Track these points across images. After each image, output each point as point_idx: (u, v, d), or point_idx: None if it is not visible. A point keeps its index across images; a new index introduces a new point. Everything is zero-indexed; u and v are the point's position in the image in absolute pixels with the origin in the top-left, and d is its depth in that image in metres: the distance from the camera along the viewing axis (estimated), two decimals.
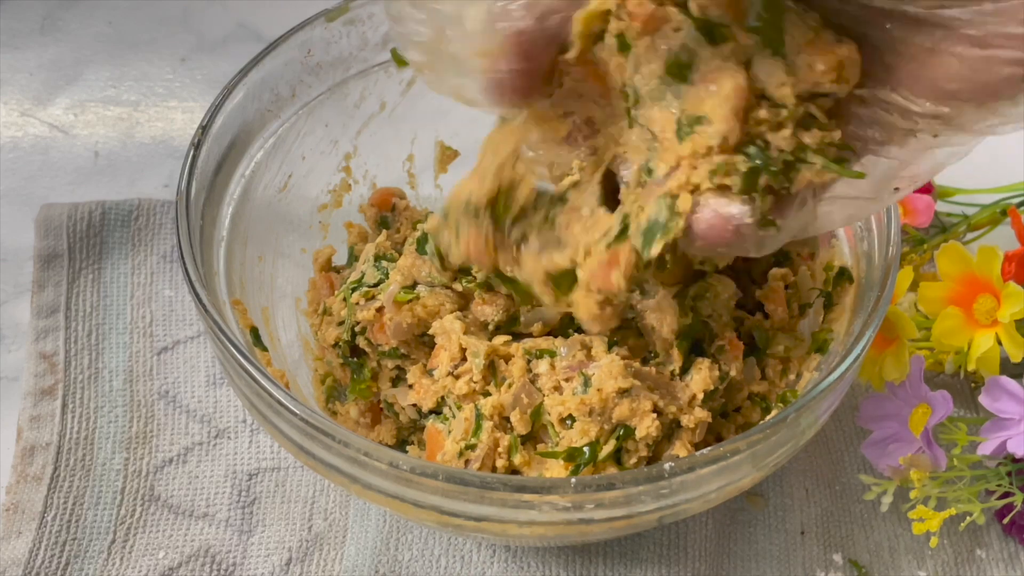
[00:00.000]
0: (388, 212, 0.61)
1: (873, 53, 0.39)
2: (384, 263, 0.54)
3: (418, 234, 0.54)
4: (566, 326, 0.51)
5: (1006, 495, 0.56)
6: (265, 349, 0.53)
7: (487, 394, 0.50)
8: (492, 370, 0.51)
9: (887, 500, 0.56)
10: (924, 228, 0.67)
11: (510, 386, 0.50)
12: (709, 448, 0.43)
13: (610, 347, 0.50)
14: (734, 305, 0.54)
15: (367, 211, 0.62)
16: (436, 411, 0.52)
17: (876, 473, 0.58)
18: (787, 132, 0.39)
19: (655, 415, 0.48)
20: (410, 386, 0.53)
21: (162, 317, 0.64)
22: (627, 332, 0.51)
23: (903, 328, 0.55)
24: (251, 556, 0.56)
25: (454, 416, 0.51)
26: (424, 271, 0.52)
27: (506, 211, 0.45)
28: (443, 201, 0.65)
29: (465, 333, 0.51)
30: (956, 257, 0.56)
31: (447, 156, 0.65)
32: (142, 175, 0.74)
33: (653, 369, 0.50)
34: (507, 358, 0.51)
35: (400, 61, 0.60)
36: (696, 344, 0.52)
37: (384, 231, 0.60)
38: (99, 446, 0.59)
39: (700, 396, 0.50)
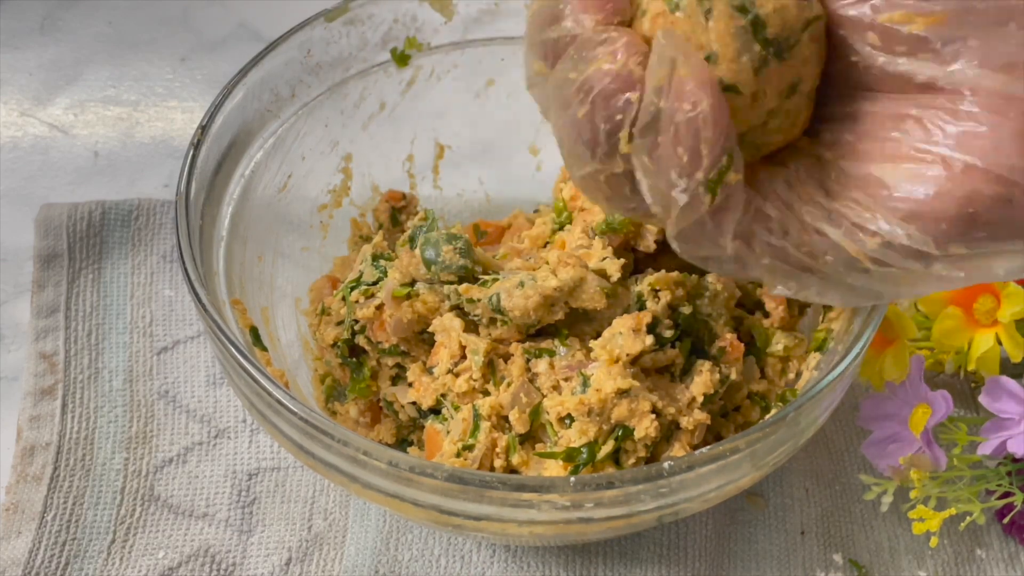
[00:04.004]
0: (399, 203, 0.62)
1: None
2: (382, 262, 0.54)
3: (408, 232, 0.54)
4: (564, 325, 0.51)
5: (1006, 495, 0.56)
6: (265, 349, 0.53)
7: (486, 393, 0.51)
8: (491, 368, 0.51)
9: (887, 500, 0.56)
10: None
11: (509, 385, 0.50)
12: (708, 447, 0.43)
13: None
14: (734, 304, 0.54)
15: (379, 207, 0.62)
16: (435, 411, 0.52)
17: (876, 473, 0.58)
18: None
19: (654, 416, 0.48)
20: (410, 384, 0.53)
21: (162, 317, 0.64)
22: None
23: (903, 328, 0.55)
24: (251, 556, 0.56)
25: (452, 417, 0.51)
26: (422, 269, 0.52)
27: None
28: (443, 201, 0.66)
29: (465, 331, 0.51)
30: None
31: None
32: (142, 175, 0.74)
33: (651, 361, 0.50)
34: (506, 357, 0.51)
35: (400, 61, 0.60)
36: (696, 345, 0.52)
37: (381, 231, 0.60)
38: (99, 446, 0.59)
39: (700, 399, 0.50)
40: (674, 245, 0.38)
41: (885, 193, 0.35)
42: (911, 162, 0.35)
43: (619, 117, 0.35)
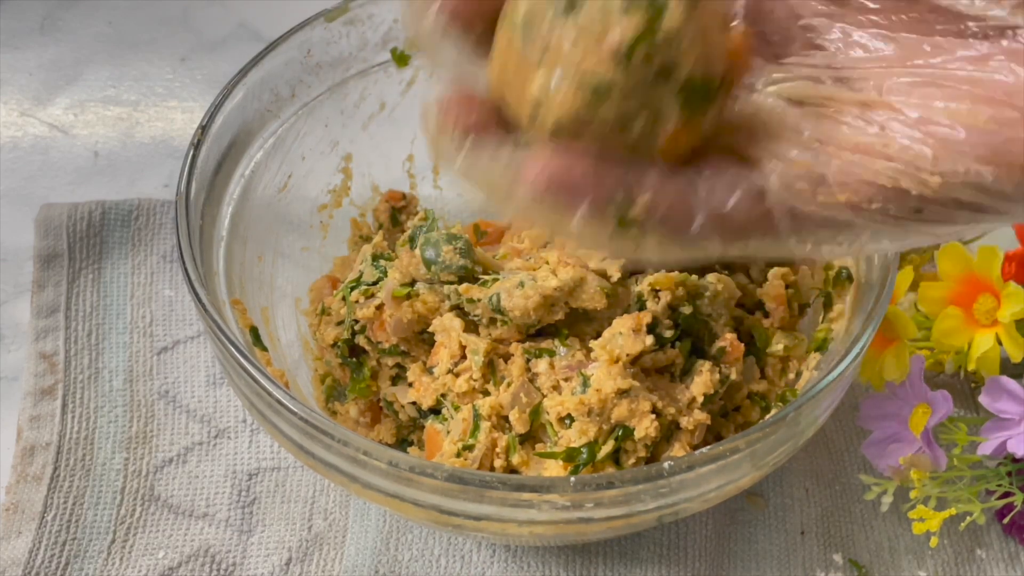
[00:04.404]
0: (399, 203, 0.62)
1: None
2: (382, 262, 0.54)
3: (408, 232, 0.54)
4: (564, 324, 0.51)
5: (1006, 495, 0.56)
6: (265, 349, 0.53)
7: (486, 393, 0.51)
8: (491, 368, 0.51)
9: (887, 500, 0.56)
10: None
11: (509, 385, 0.50)
12: (708, 447, 0.43)
13: None
14: (734, 304, 0.54)
15: (379, 207, 0.62)
16: (435, 411, 0.52)
17: (876, 473, 0.58)
18: None
19: (654, 416, 0.48)
20: (410, 384, 0.53)
21: (162, 317, 0.64)
22: None
23: (903, 328, 0.55)
24: (251, 556, 0.56)
25: (452, 417, 0.51)
26: (422, 269, 0.52)
27: None
28: (443, 201, 0.66)
29: (465, 331, 0.51)
30: (956, 257, 0.56)
31: None
32: (142, 175, 0.74)
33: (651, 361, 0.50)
34: (506, 357, 0.51)
35: (400, 61, 0.60)
36: (696, 345, 0.52)
37: (381, 231, 0.60)
38: (99, 446, 0.59)
39: (700, 399, 0.50)
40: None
41: (949, 133, 0.33)
42: (983, 103, 0.33)
43: None
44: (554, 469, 0.48)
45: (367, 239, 0.61)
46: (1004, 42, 0.33)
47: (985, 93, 0.33)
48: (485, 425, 0.49)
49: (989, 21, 0.34)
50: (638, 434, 0.48)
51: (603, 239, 0.35)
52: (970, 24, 0.34)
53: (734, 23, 0.36)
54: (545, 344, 0.51)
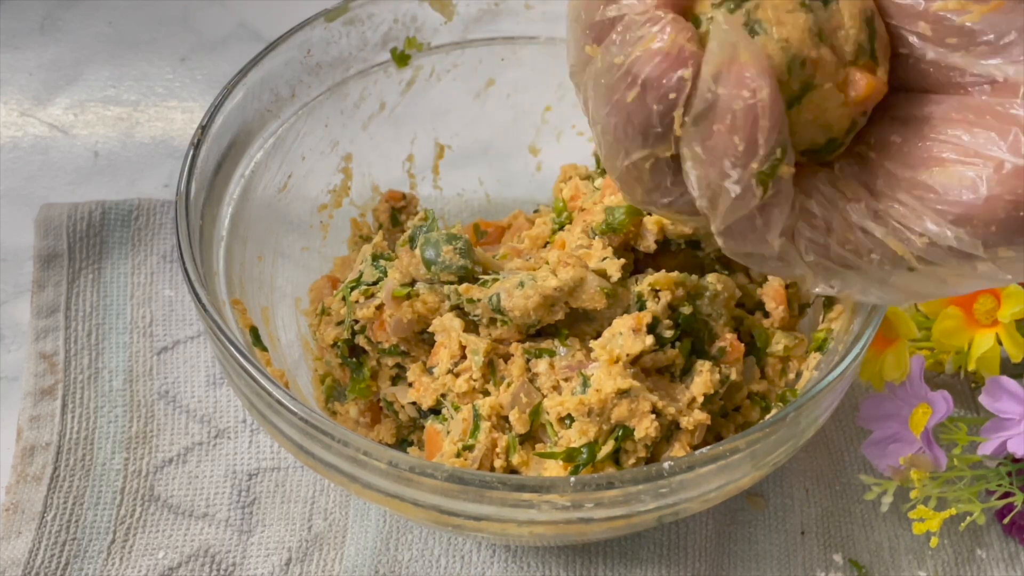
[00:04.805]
0: (399, 203, 0.62)
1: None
2: (382, 262, 0.54)
3: (408, 232, 0.54)
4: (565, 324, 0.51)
5: (1006, 495, 0.56)
6: (265, 349, 0.53)
7: (486, 393, 0.51)
8: (491, 369, 0.51)
9: (887, 500, 0.56)
10: None
11: (509, 385, 0.50)
12: (708, 447, 0.43)
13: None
14: (734, 304, 0.54)
15: (379, 207, 0.62)
16: (435, 411, 0.52)
17: (876, 473, 0.58)
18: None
19: (654, 416, 0.48)
20: (410, 384, 0.53)
21: (162, 317, 0.64)
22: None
23: (903, 328, 0.55)
24: (251, 556, 0.56)
25: (452, 417, 0.51)
26: (422, 269, 0.52)
27: None
28: (443, 202, 0.66)
29: (465, 331, 0.51)
30: None
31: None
32: (142, 175, 0.74)
33: (651, 361, 0.50)
34: (506, 357, 0.51)
35: (400, 61, 0.60)
36: (696, 345, 0.52)
37: (381, 231, 0.60)
38: (99, 446, 0.59)
39: (700, 399, 0.50)
40: (720, 241, 0.37)
41: (933, 196, 0.34)
42: (959, 165, 0.34)
43: (672, 96, 0.34)
44: (554, 469, 0.48)
45: (367, 239, 0.61)
46: (987, 97, 0.34)
47: (966, 149, 0.34)
48: (485, 425, 0.49)
49: (967, 76, 0.34)
50: (638, 434, 0.48)
51: (731, 181, 0.35)
52: (965, 77, 0.35)
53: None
54: (545, 344, 0.51)
